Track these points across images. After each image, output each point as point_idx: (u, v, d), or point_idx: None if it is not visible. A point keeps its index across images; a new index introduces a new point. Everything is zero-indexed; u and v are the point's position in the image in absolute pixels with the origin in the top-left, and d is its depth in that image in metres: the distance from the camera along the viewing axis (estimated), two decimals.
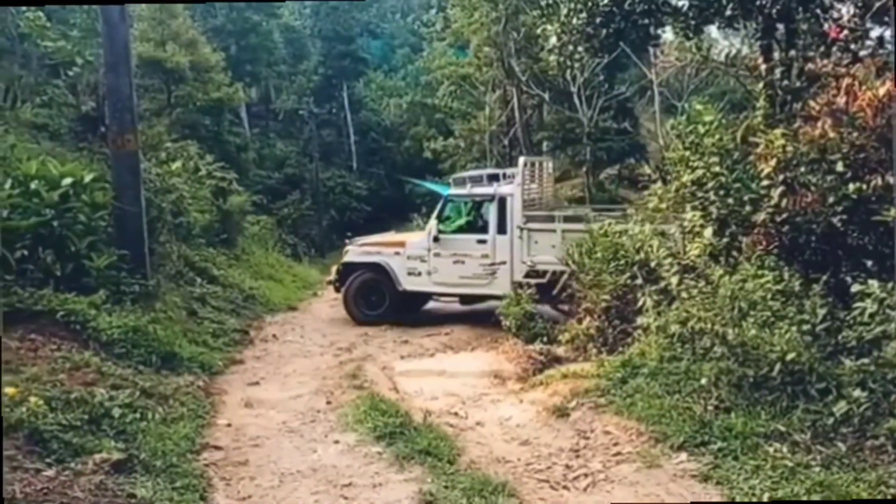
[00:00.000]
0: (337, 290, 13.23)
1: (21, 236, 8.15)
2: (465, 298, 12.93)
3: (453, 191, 12.95)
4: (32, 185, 8.78)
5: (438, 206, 12.90)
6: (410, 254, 12.49)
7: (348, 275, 12.89)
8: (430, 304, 13.37)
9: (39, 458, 4.89)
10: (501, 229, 12.01)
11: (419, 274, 12.41)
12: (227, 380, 8.65)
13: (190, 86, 28.33)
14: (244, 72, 36.74)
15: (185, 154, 20.81)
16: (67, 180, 9.06)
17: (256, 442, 6.45)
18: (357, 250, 13.08)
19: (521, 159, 12.77)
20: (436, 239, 12.32)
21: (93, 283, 8.52)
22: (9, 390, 5.20)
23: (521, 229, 11.88)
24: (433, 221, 12.71)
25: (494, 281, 12.00)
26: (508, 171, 13.02)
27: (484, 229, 12.32)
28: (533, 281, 11.56)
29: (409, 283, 12.44)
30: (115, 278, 8.85)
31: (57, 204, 8.72)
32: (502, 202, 12.01)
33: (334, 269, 13.48)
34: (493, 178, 12.57)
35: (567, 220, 12.07)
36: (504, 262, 11.98)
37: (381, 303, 12.67)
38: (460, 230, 12.66)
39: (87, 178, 9.41)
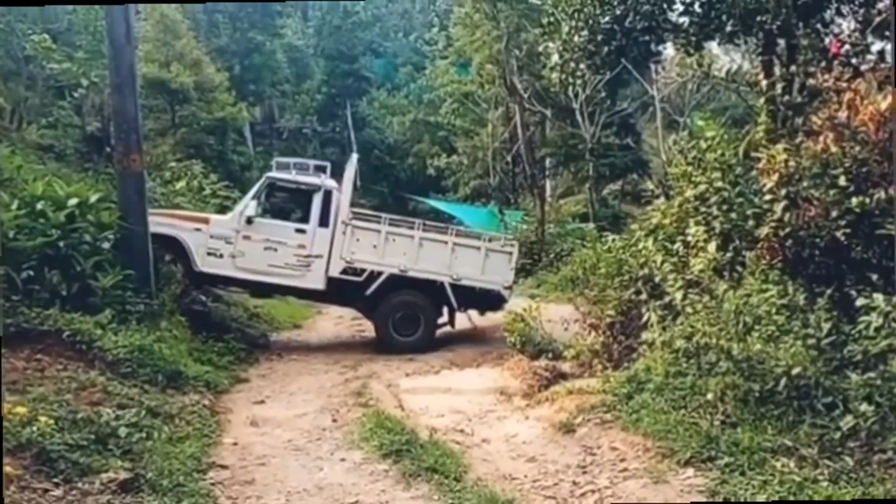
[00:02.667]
0: None
1: (27, 256, 8.19)
2: (262, 289, 12.50)
3: (277, 174, 12.17)
4: (38, 206, 8.83)
5: (257, 186, 12.13)
6: (215, 233, 11.52)
7: None
8: None
9: (47, 477, 4.90)
10: (323, 222, 11.74)
11: (221, 256, 11.46)
12: (232, 398, 8.65)
13: (194, 105, 28.57)
14: (248, 91, 37.03)
15: (189, 173, 20.98)
16: (73, 201, 9.12)
17: (262, 460, 6.43)
18: (151, 220, 11.40)
19: (354, 156, 12.70)
20: (249, 221, 11.55)
21: (99, 303, 8.54)
22: (19, 409, 5.21)
23: (346, 225, 11.76)
24: (250, 201, 11.82)
25: (307, 274, 11.68)
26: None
27: (304, 219, 11.88)
28: (348, 278, 11.66)
29: (206, 265, 11.44)
30: (120, 298, 8.87)
31: (63, 224, 8.76)
32: (328, 195, 11.78)
33: None
34: (320, 170, 12.17)
35: (392, 223, 12.24)
36: (320, 256, 11.70)
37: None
38: (277, 216, 12.03)
39: (93, 199, 9.48)
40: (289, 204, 12.30)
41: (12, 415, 5.10)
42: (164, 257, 10.97)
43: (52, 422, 5.34)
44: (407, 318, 12.14)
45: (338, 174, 12.39)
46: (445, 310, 12.61)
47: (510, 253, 12.95)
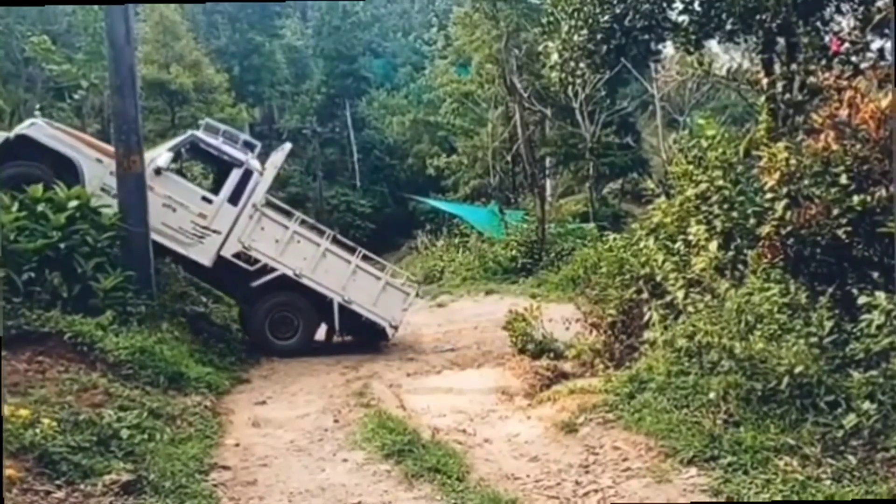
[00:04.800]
0: None
1: (28, 259, 8.21)
2: None
3: (202, 135, 11.51)
4: (39, 208, 8.85)
5: (178, 140, 11.56)
6: (115, 170, 10.11)
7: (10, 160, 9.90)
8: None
9: (49, 480, 4.89)
10: (234, 199, 11.21)
11: (114, 196, 10.04)
12: (234, 399, 8.65)
13: (194, 107, 28.63)
14: (247, 92, 37.09)
15: (189, 174, 20.94)
16: (73, 202, 9.13)
17: (265, 461, 6.43)
18: (46, 130, 10.50)
19: (286, 145, 12.37)
20: (158, 172, 10.70)
21: (99, 305, 8.55)
22: (21, 412, 5.21)
23: (256, 210, 11.34)
24: (165, 153, 11.07)
25: (199, 245, 11.06)
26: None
27: (215, 190, 11.41)
28: (238, 263, 11.26)
29: (96, 200, 9.85)
30: (121, 299, 8.87)
31: (63, 226, 8.78)
32: (247, 174, 11.27)
33: None
34: (249, 147, 11.71)
35: (303, 224, 12.00)
36: (219, 232, 11.13)
37: None
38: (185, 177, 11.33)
39: (93, 200, 9.47)
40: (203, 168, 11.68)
41: (15, 417, 5.10)
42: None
43: (54, 424, 5.34)
44: (285, 321, 11.84)
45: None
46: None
47: (407, 293, 12.65)
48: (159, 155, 10.95)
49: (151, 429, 6.31)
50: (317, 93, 41.72)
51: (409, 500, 5.53)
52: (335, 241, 12.17)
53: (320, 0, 44.71)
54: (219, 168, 11.73)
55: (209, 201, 11.16)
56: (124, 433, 5.84)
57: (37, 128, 10.44)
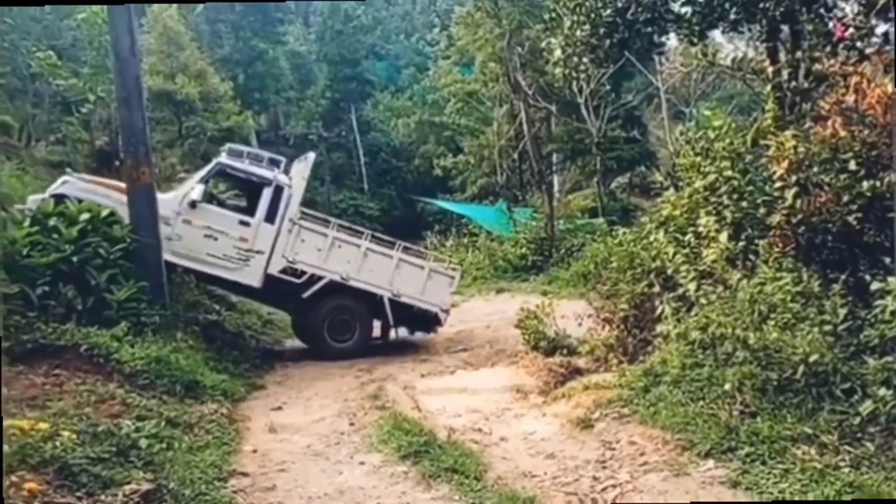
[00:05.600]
0: None
1: (42, 273, 8.25)
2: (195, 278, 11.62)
3: (228, 160, 11.62)
4: (51, 222, 8.91)
5: (207, 169, 11.60)
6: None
7: None
8: None
9: (70, 491, 4.92)
10: (270, 217, 11.36)
11: None
12: (250, 406, 8.68)
13: (200, 116, 28.71)
14: (253, 99, 37.17)
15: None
16: (85, 216, 9.18)
17: (282, 466, 6.46)
18: (78, 185, 10.62)
19: (311, 154, 12.43)
20: (193, 205, 10.93)
21: (114, 316, 8.59)
22: (40, 425, 5.25)
23: (294, 224, 11.51)
24: (197, 184, 11.15)
25: (245, 268, 11.29)
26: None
27: (250, 211, 11.47)
28: (286, 278, 11.44)
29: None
30: (135, 310, 8.91)
31: (76, 239, 8.83)
32: (279, 190, 11.41)
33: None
34: (274, 163, 11.78)
35: (341, 228, 12.13)
36: (262, 252, 11.33)
37: None
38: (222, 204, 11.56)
39: (104, 213, 9.53)
40: (236, 193, 11.89)
41: (34, 431, 5.13)
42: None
43: (73, 436, 5.37)
44: (342, 324, 12.02)
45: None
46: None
47: (452, 277, 12.89)
48: (191, 189, 11.09)
49: (169, 437, 6.35)
50: (321, 97, 41.78)
51: (427, 501, 5.55)
52: (374, 238, 12.36)
53: (322, 0, 44.78)
54: (249, 189, 11.87)
55: (247, 224, 11.33)
56: (143, 443, 5.87)
57: (70, 185, 10.54)
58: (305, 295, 11.62)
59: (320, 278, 11.66)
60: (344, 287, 11.85)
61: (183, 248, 10.89)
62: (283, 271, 11.48)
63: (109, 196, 10.44)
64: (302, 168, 12.04)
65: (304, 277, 11.58)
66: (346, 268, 11.82)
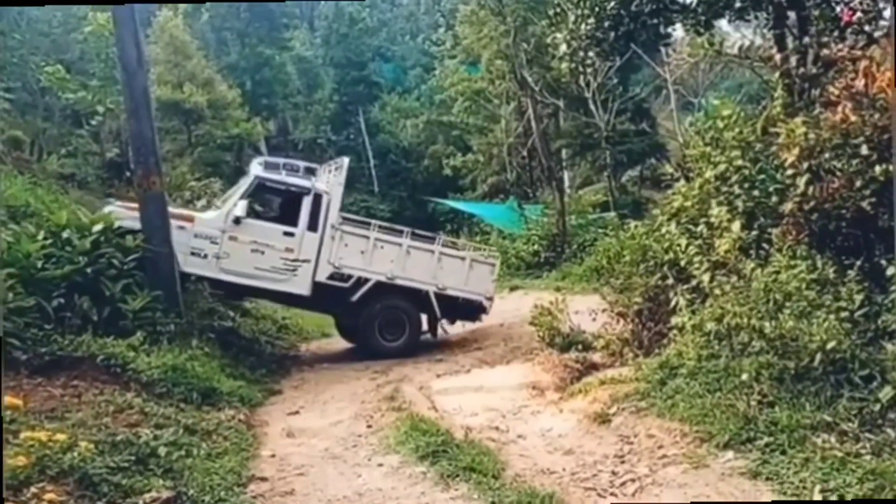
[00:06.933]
0: None
1: (57, 285, 8.30)
2: (245, 293, 12.20)
3: (266, 174, 11.69)
4: (64, 234, 8.96)
5: (246, 185, 11.59)
6: (199, 232, 10.90)
7: None
8: None
9: (91, 501, 4.94)
10: (312, 226, 11.51)
11: (205, 256, 10.89)
12: (267, 411, 8.71)
13: (209, 124, 28.85)
14: (261, 106, 37.30)
15: (209, 191, 21.18)
16: (98, 227, 9.23)
17: (301, 470, 6.46)
18: (125, 213, 10.43)
19: (345, 159, 12.51)
20: (237, 221, 11.06)
21: (129, 326, 8.63)
22: (59, 436, 5.28)
23: (336, 229, 11.66)
24: (240, 201, 11.23)
25: (294, 278, 11.41)
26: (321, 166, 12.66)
27: (293, 221, 11.54)
28: (334, 284, 11.57)
29: (189, 265, 10.72)
30: (150, 319, 8.95)
31: (89, 251, 8.87)
32: (317, 198, 11.55)
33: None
34: (310, 172, 11.95)
35: (381, 229, 12.29)
36: (308, 261, 11.46)
37: None
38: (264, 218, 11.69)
39: (117, 223, 9.59)
40: (276, 205, 12.05)
41: (52, 442, 5.16)
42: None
43: (92, 446, 5.39)
44: (392, 323, 12.16)
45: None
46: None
47: (493, 265, 13.19)
48: (234, 205, 11.20)
49: (188, 445, 6.36)
50: (329, 101, 41.90)
51: (446, 501, 5.54)
52: (414, 236, 12.55)
53: (327, 0, 44.86)
54: (285, 198, 11.98)
55: (291, 234, 11.46)
56: (162, 451, 5.90)
57: (115, 214, 10.23)
58: (354, 298, 11.77)
59: (367, 280, 11.83)
60: (390, 286, 12.02)
61: (232, 265, 11.05)
62: (331, 277, 11.63)
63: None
64: (339, 175, 12.14)
65: (352, 281, 11.75)
66: (391, 267, 12.01)
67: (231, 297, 12.25)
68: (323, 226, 11.55)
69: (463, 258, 12.80)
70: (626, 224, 12.67)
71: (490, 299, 12.92)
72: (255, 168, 12.07)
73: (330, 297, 11.82)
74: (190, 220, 11.06)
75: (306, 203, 11.49)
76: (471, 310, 12.82)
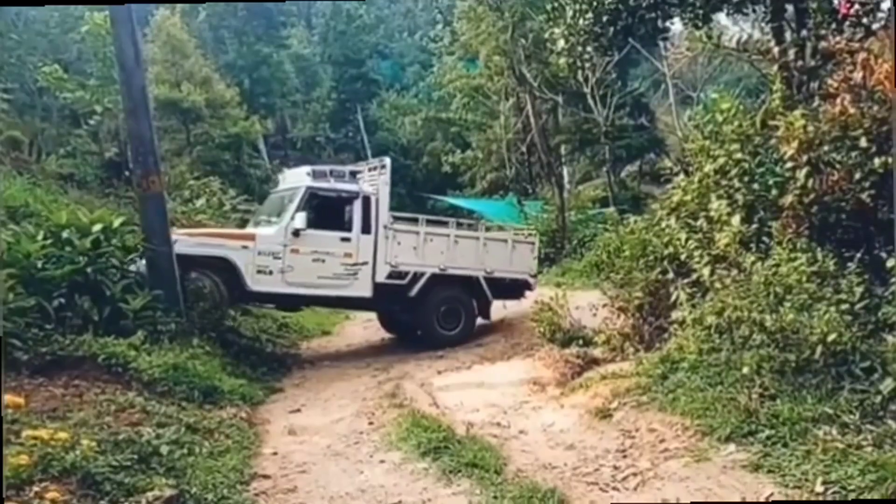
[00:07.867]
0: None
1: (57, 285, 8.29)
2: (311, 303, 12.47)
3: (316, 183, 11.67)
4: (64, 234, 8.95)
5: (299, 197, 11.48)
6: (262, 249, 11.01)
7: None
8: None
9: (94, 500, 4.94)
10: (365, 228, 11.73)
11: (271, 272, 11.02)
12: (268, 409, 8.71)
13: (207, 123, 28.80)
14: (259, 104, 37.23)
15: (208, 190, 21.20)
16: (97, 226, 9.22)
17: (303, 468, 6.47)
18: (190, 241, 10.70)
19: (387, 159, 12.63)
20: (296, 233, 11.16)
21: (130, 325, 8.63)
22: (61, 435, 5.28)
23: (388, 229, 11.89)
24: (298, 213, 11.25)
25: (355, 282, 11.65)
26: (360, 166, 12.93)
27: (347, 227, 11.69)
28: (393, 282, 11.89)
29: (257, 283, 10.94)
30: (151, 318, 8.95)
31: (89, 250, 8.87)
32: (367, 200, 11.78)
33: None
34: (355, 175, 12.12)
35: (429, 223, 12.65)
36: (366, 263, 11.71)
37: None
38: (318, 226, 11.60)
39: (116, 223, 9.58)
40: (329, 213, 12.02)
41: (54, 441, 5.16)
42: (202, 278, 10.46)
43: (94, 445, 5.40)
44: (449, 312, 12.45)
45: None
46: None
47: (532, 243, 13.83)
48: (293, 218, 11.22)
49: (190, 443, 6.37)
50: (327, 99, 41.82)
51: (448, 496, 5.54)
52: (458, 226, 13.15)
53: (324, 0, 44.83)
54: (333, 204, 11.88)
55: (348, 240, 11.67)
56: (164, 449, 5.90)
57: (181, 243, 10.27)
58: (412, 293, 12.07)
59: (422, 274, 12.17)
60: (443, 277, 12.39)
61: (296, 277, 11.20)
62: (389, 276, 11.90)
63: (223, 245, 10.93)
64: (384, 175, 12.25)
65: (408, 277, 12.05)
66: (441, 258, 12.42)
67: (293, 308, 12.75)
68: (375, 227, 11.81)
69: (505, 240, 13.49)
70: (626, 219, 12.69)
71: (534, 276, 13.52)
72: (294, 178, 12.30)
73: (390, 295, 12.09)
74: (251, 238, 11.20)
75: (357, 206, 11.73)
76: (517, 288, 13.26)
